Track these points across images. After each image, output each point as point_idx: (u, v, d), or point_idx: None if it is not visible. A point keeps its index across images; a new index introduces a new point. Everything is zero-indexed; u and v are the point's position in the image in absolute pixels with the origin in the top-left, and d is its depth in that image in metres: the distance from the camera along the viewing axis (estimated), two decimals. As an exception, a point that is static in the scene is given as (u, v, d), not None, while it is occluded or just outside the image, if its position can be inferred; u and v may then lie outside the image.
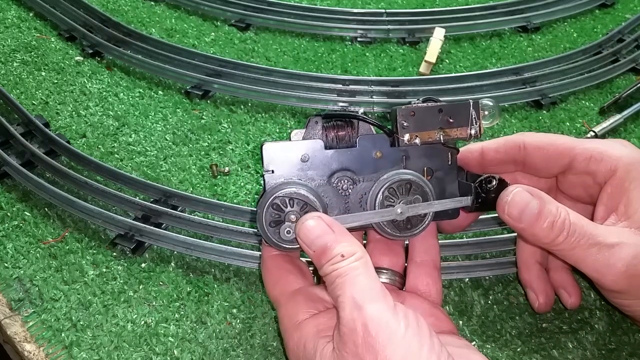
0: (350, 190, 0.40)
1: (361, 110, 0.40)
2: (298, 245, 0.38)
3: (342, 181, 0.40)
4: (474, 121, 0.39)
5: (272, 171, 0.39)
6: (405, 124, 0.39)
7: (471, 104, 0.39)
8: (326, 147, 0.40)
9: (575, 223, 0.38)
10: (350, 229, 0.39)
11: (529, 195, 0.39)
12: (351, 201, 0.40)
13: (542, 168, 0.45)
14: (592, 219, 0.42)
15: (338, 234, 0.36)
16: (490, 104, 0.40)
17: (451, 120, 0.39)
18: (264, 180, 0.39)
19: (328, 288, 0.36)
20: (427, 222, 0.40)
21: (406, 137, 0.39)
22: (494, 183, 0.40)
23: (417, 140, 0.39)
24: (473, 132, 0.39)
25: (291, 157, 0.39)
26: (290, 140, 0.40)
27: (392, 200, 0.39)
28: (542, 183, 0.47)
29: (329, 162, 0.40)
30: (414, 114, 0.39)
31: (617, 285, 0.38)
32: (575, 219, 0.38)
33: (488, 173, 0.41)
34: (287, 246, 0.39)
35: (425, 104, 0.39)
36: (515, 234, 0.55)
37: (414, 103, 0.40)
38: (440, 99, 0.40)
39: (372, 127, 0.41)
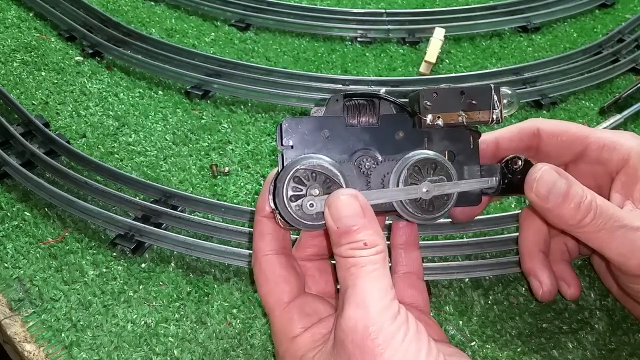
0: (372, 170, 0.39)
1: (383, 89, 0.39)
2: (319, 224, 0.37)
3: (364, 159, 0.39)
4: (496, 105, 0.38)
5: (292, 147, 0.38)
6: (428, 104, 0.38)
7: (492, 88, 0.38)
8: (347, 125, 0.39)
9: (602, 206, 0.38)
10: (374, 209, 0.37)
11: (556, 174, 0.38)
12: (372, 181, 0.39)
13: (554, 155, 0.45)
14: None
15: (368, 220, 0.35)
16: (509, 92, 0.39)
17: (474, 102, 0.38)
18: (282, 157, 0.38)
19: (339, 271, 0.35)
20: (449, 205, 0.39)
21: (429, 117, 0.38)
22: (520, 164, 0.40)
23: (440, 122, 0.38)
24: (495, 116, 0.39)
25: (311, 132, 0.38)
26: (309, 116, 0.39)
27: (417, 179, 0.38)
28: None
29: (351, 139, 0.38)
30: (437, 94, 0.38)
31: None
32: (601, 202, 0.38)
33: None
34: (308, 223, 0.37)
35: (449, 86, 0.38)
36: (517, 234, 0.55)
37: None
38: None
39: (393, 107, 0.40)
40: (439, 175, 0.39)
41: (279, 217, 0.37)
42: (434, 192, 0.38)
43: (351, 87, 0.73)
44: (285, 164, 0.37)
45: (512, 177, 0.40)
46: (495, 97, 0.38)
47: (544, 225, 0.47)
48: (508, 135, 0.45)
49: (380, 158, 0.39)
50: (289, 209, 0.37)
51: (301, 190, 0.37)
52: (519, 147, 0.45)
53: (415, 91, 0.39)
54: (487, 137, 0.45)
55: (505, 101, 0.40)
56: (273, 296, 0.39)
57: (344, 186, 0.37)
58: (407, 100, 0.40)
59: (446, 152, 0.40)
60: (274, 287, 0.39)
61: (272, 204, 0.38)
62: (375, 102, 0.39)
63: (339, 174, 0.37)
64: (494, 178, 0.40)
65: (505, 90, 0.39)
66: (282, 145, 0.38)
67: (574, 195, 0.38)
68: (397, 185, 0.38)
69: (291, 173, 0.36)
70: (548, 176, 0.38)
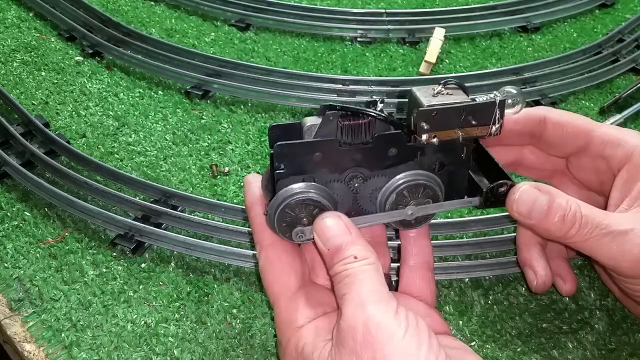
0: (361, 188, 0.39)
1: (380, 106, 0.38)
2: (310, 241, 0.38)
3: (354, 180, 0.39)
4: (497, 120, 0.38)
5: (283, 169, 0.38)
6: (425, 126, 0.37)
7: (497, 103, 0.38)
8: (340, 144, 0.38)
9: (587, 215, 0.38)
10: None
11: (537, 191, 0.39)
12: (361, 196, 0.40)
13: (557, 145, 0.46)
14: (604, 206, 0.42)
15: (354, 237, 0.36)
16: (514, 92, 0.39)
17: (473, 122, 0.38)
18: (273, 178, 0.38)
19: (335, 286, 0.36)
20: (430, 219, 0.41)
21: (424, 137, 0.37)
22: (504, 189, 0.40)
23: (435, 140, 0.38)
24: (493, 130, 0.38)
25: (303, 155, 0.38)
26: (300, 125, 0.39)
27: (404, 201, 0.39)
28: (550, 163, 0.47)
29: (343, 160, 0.38)
30: (437, 114, 0.37)
31: (633, 271, 0.39)
32: (586, 211, 0.38)
33: (504, 171, 0.40)
34: (299, 243, 0.39)
35: (450, 104, 0.37)
36: (515, 234, 0.55)
37: (435, 89, 0.38)
38: (464, 85, 0.39)
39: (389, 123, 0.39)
40: (426, 197, 0.39)
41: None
42: (417, 214, 0.40)
43: (351, 87, 0.73)
44: (277, 189, 0.38)
45: (496, 199, 0.40)
46: (498, 113, 0.38)
47: None
48: (514, 117, 0.45)
49: (370, 175, 0.39)
50: (279, 233, 0.38)
51: (290, 219, 0.38)
52: (523, 131, 0.46)
53: (416, 97, 0.37)
54: None
55: (509, 101, 0.39)
56: (279, 284, 0.39)
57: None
58: (403, 118, 0.39)
59: (437, 163, 0.40)
60: (280, 274, 0.39)
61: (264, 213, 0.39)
62: (371, 119, 0.38)
63: (327, 203, 0.38)
64: (477, 198, 0.41)
65: (509, 89, 0.39)
66: (274, 164, 0.37)
67: (557, 208, 0.38)
68: (385, 206, 0.39)
69: (283, 205, 0.37)
70: (526, 196, 0.39)
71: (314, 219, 0.38)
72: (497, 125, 0.38)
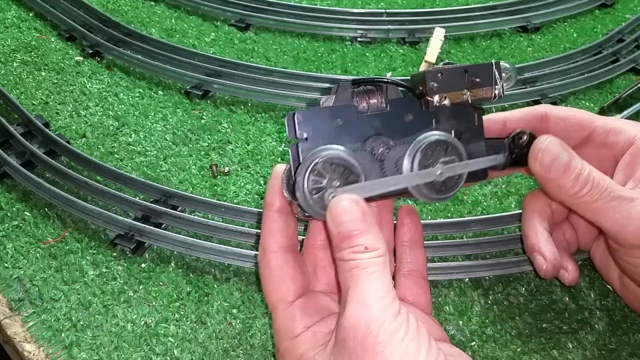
0: (385, 155, 0.39)
1: (389, 73, 0.39)
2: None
3: (377, 146, 0.39)
4: (497, 81, 0.40)
5: (306, 138, 0.37)
6: (434, 85, 0.39)
7: (494, 64, 0.40)
8: (358, 112, 0.39)
9: (598, 178, 0.40)
10: (387, 195, 0.38)
11: (560, 146, 0.40)
12: (387, 166, 0.39)
13: (561, 138, 0.46)
14: None
15: (368, 225, 0.35)
16: (508, 66, 0.41)
17: (477, 80, 0.40)
18: (296, 149, 0.38)
19: (339, 272, 0.35)
20: (460, 184, 0.40)
21: (436, 98, 0.39)
22: (525, 138, 0.41)
23: (447, 102, 0.39)
24: (497, 92, 0.40)
25: (325, 123, 0.38)
26: (320, 107, 0.39)
27: (430, 161, 0.39)
28: None
29: (363, 127, 0.39)
30: (442, 74, 0.39)
31: (636, 239, 0.40)
32: (598, 175, 0.40)
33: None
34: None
35: (452, 66, 0.39)
36: (517, 234, 0.55)
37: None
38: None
39: (400, 91, 0.40)
40: (451, 156, 0.40)
41: (298, 209, 0.38)
42: (447, 174, 0.39)
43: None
44: (302, 157, 0.37)
45: (519, 151, 0.42)
46: (497, 74, 0.40)
47: (548, 207, 0.48)
48: (517, 117, 0.46)
49: (391, 142, 0.39)
50: (310, 202, 0.37)
51: (321, 182, 0.37)
52: (526, 128, 0.46)
53: (419, 73, 0.39)
54: (496, 117, 0.46)
55: (504, 75, 0.41)
56: (278, 294, 0.39)
57: (361, 175, 0.37)
58: (411, 78, 0.41)
59: (453, 131, 0.41)
60: (280, 285, 0.39)
61: (288, 196, 0.38)
62: (383, 86, 0.40)
63: (356, 164, 0.37)
64: (502, 155, 0.42)
65: (504, 64, 0.41)
66: (295, 137, 0.38)
67: (574, 167, 0.40)
68: (412, 169, 0.39)
69: (310, 166, 0.36)
70: (553, 147, 0.40)
71: (345, 182, 0.37)
72: (499, 86, 0.40)
